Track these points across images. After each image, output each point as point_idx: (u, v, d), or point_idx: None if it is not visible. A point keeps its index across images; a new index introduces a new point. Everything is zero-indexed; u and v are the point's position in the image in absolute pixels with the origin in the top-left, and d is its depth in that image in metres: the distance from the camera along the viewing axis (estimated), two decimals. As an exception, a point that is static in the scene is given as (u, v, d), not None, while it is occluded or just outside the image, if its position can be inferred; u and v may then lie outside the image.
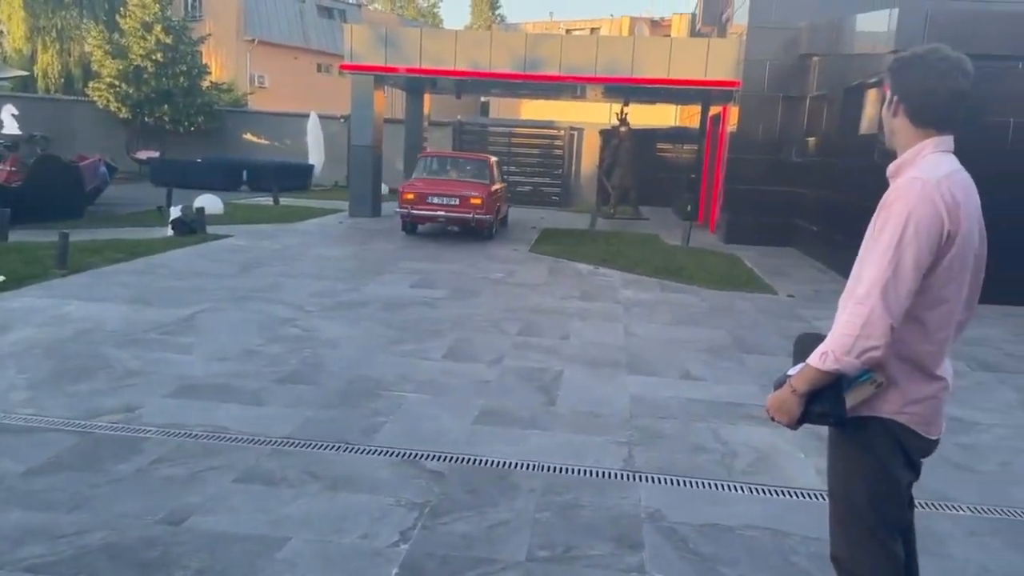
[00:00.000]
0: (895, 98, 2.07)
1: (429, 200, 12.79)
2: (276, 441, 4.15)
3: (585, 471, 3.99)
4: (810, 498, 3.77)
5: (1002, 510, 3.76)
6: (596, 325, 7.26)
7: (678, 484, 3.90)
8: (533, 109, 33.10)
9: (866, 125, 11.04)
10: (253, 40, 33.32)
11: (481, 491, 3.67)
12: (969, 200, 1.97)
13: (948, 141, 2.04)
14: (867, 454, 2.05)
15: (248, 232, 12.40)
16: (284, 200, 17.86)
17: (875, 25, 10.24)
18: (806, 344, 2.07)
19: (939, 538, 3.42)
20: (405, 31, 16.12)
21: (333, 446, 4.12)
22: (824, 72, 12.99)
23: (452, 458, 4.04)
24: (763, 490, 3.87)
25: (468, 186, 13.13)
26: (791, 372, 2.06)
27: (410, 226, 13.41)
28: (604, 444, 4.37)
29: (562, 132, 22.72)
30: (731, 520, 3.52)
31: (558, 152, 22.77)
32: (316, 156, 23.32)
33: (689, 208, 17.55)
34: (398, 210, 13.03)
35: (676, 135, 23.11)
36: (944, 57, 2.00)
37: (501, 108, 34.69)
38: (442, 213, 12.86)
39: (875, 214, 2.01)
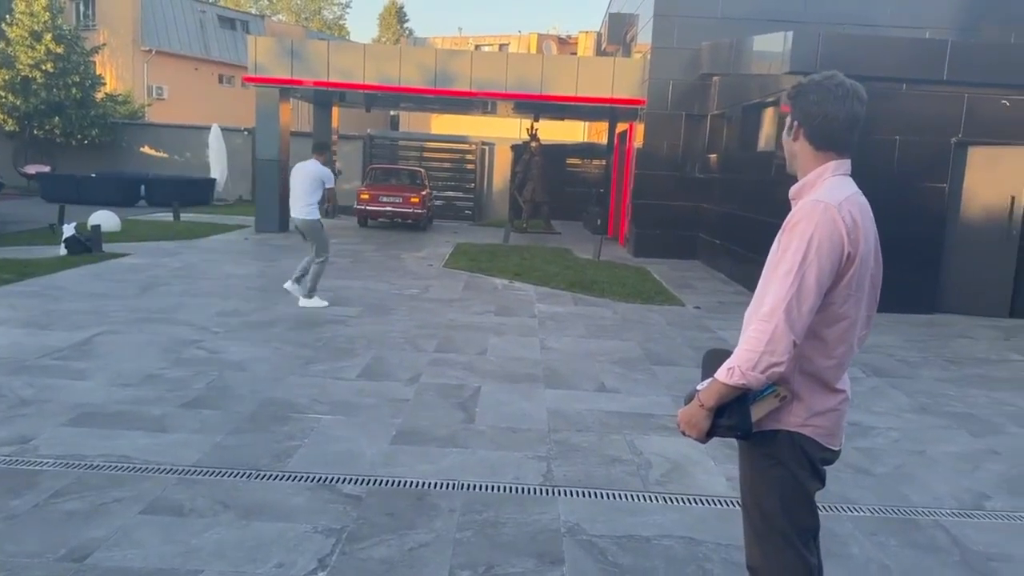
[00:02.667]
0: (795, 123, 2.18)
1: (380, 200, 16.93)
2: (183, 470, 3.99)
3: (505, 488, 3.99)
4: (721, 505, 3.89)
5: (898, 510, 3.97)
6: (513, 340, 7.30)
7: (596, 496, 3.95)
8: (444, 123, 33.17)
9: (763, 143, 11.55)
10: (151, 50, 32.10)
11: (400, 513, 3.63)
12: (867, 222, 2.09)
13: (847, 164, 2.16)
14: (777, 466, 2.13)
15: (147, 250, 11.91)
16: (185, 216, 17.26)
17: (771, 47, 10.74)
18: (714, 359, 2.13)
19: (842, 539, 3.58)
20: (312, 44, 15.88)
21: (244, 473, 3.99)
22: (724, 91, 13.53)
23: (369, 481, 3.97)
24: (677, 499, 3.97)
25: (408, 189, 17.50)
26: (699, 387, 2.12)
27: (363, 220, 17.61)
28: (523, 459, 4.39)
29: (474, 147, 22.82)
30: (647, 531, 3.60)
31: (470, 167, 22.84)
32: (218, 170, 22.64)
33: (599, 222, 17.93)
34: (356, 207, 17.16)
35: (585, 151, 23.57)
36: (840, 83, 2.11)
37: (411, 122, 34.63)
38: (389, 209, 17.03)
39: (779, 234, 2.10)
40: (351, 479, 3.98)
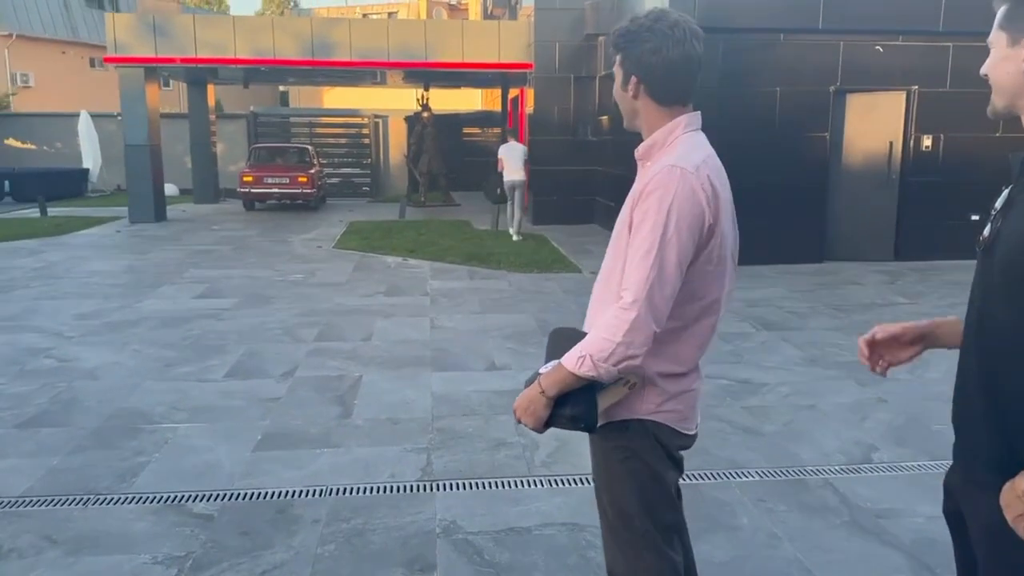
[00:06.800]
0: (633, 78, 1.86)
1: (265, 181, 16.23)
2: (8, 502, 3.51)
3: (378, 488, 3.67)
4: (609, 485, 3.68)
5: (787, 471, 3.85)
6: (401, 321, 6.95)
7: (477, 487, 3.69)
8: (336, 97, 32.07)
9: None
10: (11, 35, 29.66)
11: (256, 531, 3.26)
12: (724, 188, 1.83)
13: (698, 118, 1.89)
14: (631, 459, 1.89)
15: (2, 251, 10.91)
16: (57, 210, 16.05)
17: (651, 3, 10.57)
18: (562, 339, 1.85)
19: (730, 509, 3.43)
20: (177, 18, 14.85)
21: (79, 499, 3.53)
22: (610, 51, 13.31)
23: (225, 496, 3.58)
24: (562, 481, 3.74)
25: (295, 168, 16.90)
26: (542, 370, 1.83)
27: (250, 204, 16.85)
28: (401, 454, 4.07)
29: (367, 120, 22.07)
30: (529, 520, 3.35)
31: (365, 141, 22.10)
32: (91, 159, 21.16)
33: (498, 191, 17.59)
34: (240, 190, 16.43)
35: (482, 119, 23.15)
36: (674, 23, 1.80)
37: (302, 97, 33.39)
38: (276, 190, 16.36)
39: (629, 202, 1.81)
40: (204, 496, 3.57)
